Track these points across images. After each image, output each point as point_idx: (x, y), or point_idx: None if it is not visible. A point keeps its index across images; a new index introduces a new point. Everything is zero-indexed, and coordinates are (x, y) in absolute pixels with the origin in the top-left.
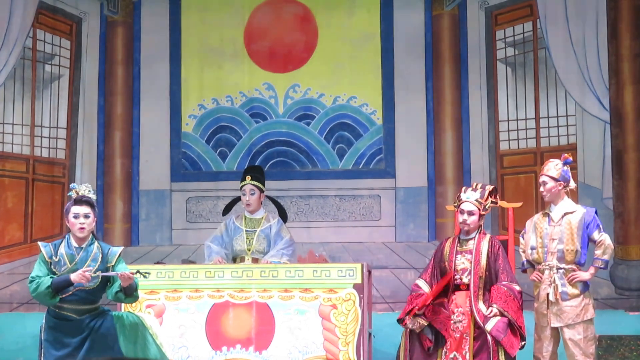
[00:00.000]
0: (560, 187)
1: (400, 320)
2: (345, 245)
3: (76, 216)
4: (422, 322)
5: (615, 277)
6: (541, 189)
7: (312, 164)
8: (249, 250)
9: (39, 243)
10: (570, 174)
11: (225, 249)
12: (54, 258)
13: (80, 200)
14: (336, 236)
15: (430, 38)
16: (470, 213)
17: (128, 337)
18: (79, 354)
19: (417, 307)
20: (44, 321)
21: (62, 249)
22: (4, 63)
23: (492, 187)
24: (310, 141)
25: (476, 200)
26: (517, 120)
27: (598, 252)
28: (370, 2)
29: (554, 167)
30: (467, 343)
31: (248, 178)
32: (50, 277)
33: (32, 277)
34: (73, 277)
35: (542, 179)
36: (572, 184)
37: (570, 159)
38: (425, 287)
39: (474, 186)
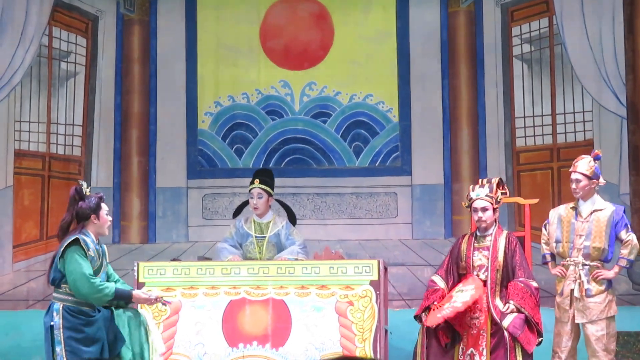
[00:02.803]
0: (593, 185)
1: (417, 317)
2: (361, 243)
3: (108, 213)
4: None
5: (633, 274)
6: (573, 185)
7: (329, 162)
8: (260, 259)
9: (78, 237)
10: (600, 170)
11: (238, 249)
12: (89, 253)
13: (103, 199)
14: (353, 234)
15: (446, 35)
16: (484, 209)
17: (129, 328)
18: (104, 347)
19: (435, 303)
20: (59, 321)
21: (91, 245)
22: (21, 61)
23: (497, 179)
24: (326, 139)
25: (487, 196)
26: (533, 116)
27: (624, 251)
28: None
29: (587, 164)
30: (484, 339)
31: (256, 181)
32: (115, 287)
33: (91, 275)
34: (140, 296)
35: (575, 176)
36: (602, 181)
37: (600, 155)
38: (441, 283)
39: (480, 183)
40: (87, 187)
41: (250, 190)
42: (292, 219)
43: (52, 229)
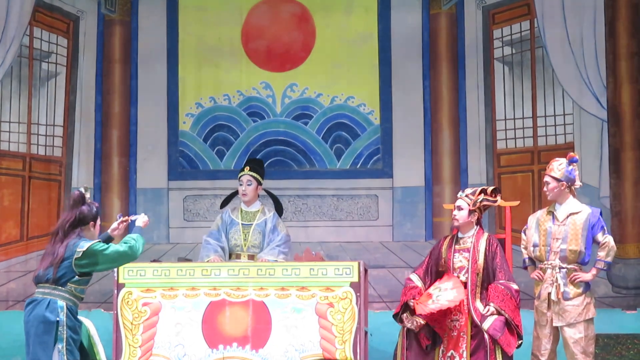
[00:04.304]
0: (562, 188)
1: (397, 317)
2: (342, 245)
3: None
4: (420, 321)
5: (612, 276)
6: (544, 188)
7: (310, 164)
8: (245, 246)
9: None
10: (575, 174)
11: (222, 243)
12: None
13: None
14: (334, 236)
15: (428, 37)
16: (459, 208)
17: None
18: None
19: (415, 299)
20: (63, 318)
21: None
22: (1, 61)
23: (492, 187)
24: (308, 141)
25: (466, 196)
26: (514, 119)
27: (601, 253)
28: (367, 1)
29: (557, 168)
30: (465, 341)
31: (247, 169)
32: (135, 238)
33: (122, 250)
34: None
35: (545, 179)
36: (578, 183)
37: (576, 157)
38: (418, 282)
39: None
40: (89, 194)
41: (239, 178)
42: (279, 209)
43: (32, 230)
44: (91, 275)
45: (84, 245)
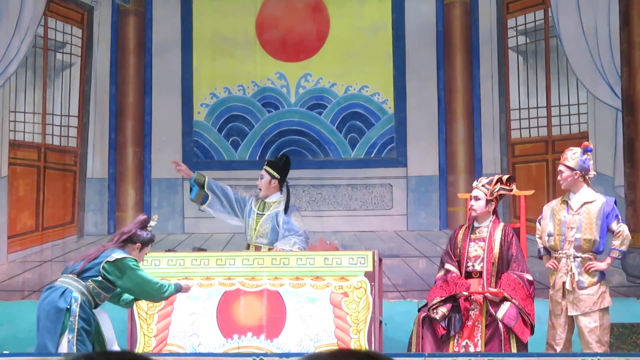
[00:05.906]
0: (576, 177)
1: (451, 298)
2: (357, 234)
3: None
4: (445, 311)
5: (626, 265)
6: (558, 177)
7: (324, 153)
8: (254, 235)
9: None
10: (589, 163)
11: (233, 195)
12: None
13: (154, 242)
14: (348, 225)
15: (442, 27)
16: (476, 198)
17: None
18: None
19: (466, 288)
20: (76, 309)
21: None
22: (16, 51)
23: (507, 176)
24: (322, 130)
25: (483, 186)
26: (528, 108)
27: (616, 242)
28: None
29: (571, 156)
30: (479, 331)
31: (265, 164)
32: (173, 285)
33: (155, 280)
34: (188, 286)
35: (559, 167)
36: (592, 173)
37: (590, 147)
38: (457, 271)
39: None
40: (154, 223)
41: None
42: (286, 206)
43: (47, 220)
44: (113, 288)
45: (119, 255)
